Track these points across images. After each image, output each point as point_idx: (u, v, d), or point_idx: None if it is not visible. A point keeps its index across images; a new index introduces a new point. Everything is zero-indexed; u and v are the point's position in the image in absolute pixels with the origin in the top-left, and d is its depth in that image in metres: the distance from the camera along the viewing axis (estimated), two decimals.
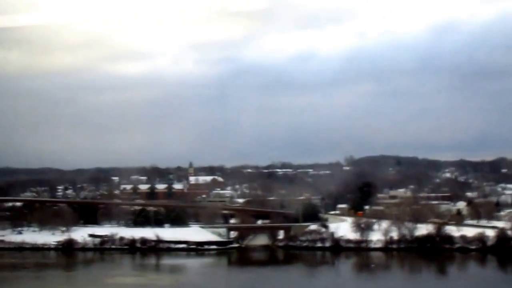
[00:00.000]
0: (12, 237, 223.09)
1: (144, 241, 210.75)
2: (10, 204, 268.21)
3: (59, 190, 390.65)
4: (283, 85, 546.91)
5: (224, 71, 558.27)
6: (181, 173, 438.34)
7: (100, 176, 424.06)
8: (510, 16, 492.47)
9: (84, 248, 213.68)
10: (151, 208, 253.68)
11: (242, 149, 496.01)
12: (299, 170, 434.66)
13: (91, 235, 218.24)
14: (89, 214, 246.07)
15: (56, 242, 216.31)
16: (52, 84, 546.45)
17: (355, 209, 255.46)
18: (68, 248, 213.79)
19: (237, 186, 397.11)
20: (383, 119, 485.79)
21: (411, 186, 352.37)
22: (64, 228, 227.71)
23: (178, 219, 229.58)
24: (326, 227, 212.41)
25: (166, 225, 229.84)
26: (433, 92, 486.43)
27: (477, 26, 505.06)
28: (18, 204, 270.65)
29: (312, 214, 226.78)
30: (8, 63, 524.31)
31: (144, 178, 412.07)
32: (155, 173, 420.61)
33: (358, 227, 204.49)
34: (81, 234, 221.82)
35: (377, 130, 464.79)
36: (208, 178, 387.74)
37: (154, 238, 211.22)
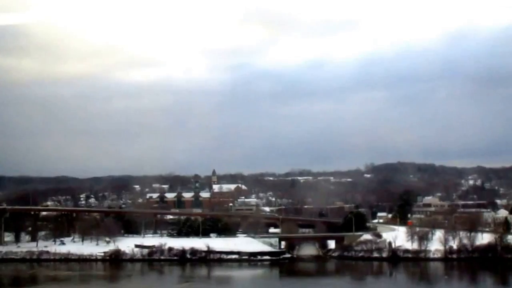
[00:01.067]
0: (55, 248, 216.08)
1: (194, 251, 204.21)
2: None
3: (81, 199, 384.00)
4: (296, 92, 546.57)
5: (237, 77, 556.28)
6: (201, 181, 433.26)
7: (120, 184, 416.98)
8: None
9: (132, 259, 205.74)
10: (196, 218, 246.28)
11: (257, 156, 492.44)
12: (319, 178, 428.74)
13: (137, 246, 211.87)
14: (130, 224, 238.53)
15: (103, 253, 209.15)
16: (64, 92, 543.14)
17: (399, 218, 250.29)
18: (116, 259, 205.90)
19: (261, 194, 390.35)
20: (397, 126, 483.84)
21: (438, 194, 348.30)
22: (108, 239, 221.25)
23: (225, 229, 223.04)
24: (379, 236, 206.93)
25: (213, 235, 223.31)
26: (447, 98, 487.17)
27: (491, 32, 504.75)
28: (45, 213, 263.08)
29: (359, 223, 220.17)
30: (20, 71, 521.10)
31: (165, 186, 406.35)
32: (176, 181, 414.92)
33: (415, 236, 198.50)
34: (127, 244, 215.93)
35: (393, 137, 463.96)
36: (232, 186, 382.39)
37: (204, 248, 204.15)
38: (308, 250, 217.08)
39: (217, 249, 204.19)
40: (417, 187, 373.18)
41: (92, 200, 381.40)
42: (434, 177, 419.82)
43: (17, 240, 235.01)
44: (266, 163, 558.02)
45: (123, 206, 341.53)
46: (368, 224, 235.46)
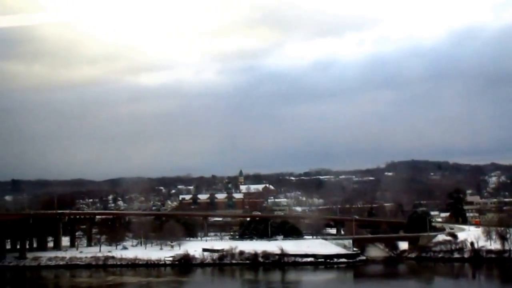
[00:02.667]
0: (120, 253, 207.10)
1: (266, 255, 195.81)
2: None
3: (110, 202, 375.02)
4: (304, 93, 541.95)
5: (245, 80, 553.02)
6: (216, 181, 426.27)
7: (144, 186, 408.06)
8: None
9: (203, 264, 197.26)
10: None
11: (268, 157, 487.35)
12: (341, 177, 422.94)
13: (205, 250, 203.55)
14: (187, 227, 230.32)
15: (171, 257, 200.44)
16: (74, 96, 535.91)
17: (455, 217, 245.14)
18: (186, 264, 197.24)
19: (288, 194, 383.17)
20: (405, 125, 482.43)
21: (469, 191, 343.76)
22: (172, 243, 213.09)
23: (292, 231, 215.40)
24: (455, 236, 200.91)
25: (279, 237, 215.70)
26: (453, 97, 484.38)
27: (496, 31, 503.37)
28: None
29: (424, 223, 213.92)
30: (30, 76, 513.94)
31: (190, 187, 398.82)
32: (202, 182, 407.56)
33: (493, 236, 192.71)
34: (191, 248, 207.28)
35: (401, 136, 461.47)
36: (260, 187, 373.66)
37: (277, 251, 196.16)
38: (376, 251, 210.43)
39: (291, 252, 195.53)
40: (446, 185, 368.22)
41: (120, 202, 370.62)
42: (456, 175, 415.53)
43: (72, 245, 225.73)
44: (277, 163, 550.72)
45: (163, 208, 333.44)
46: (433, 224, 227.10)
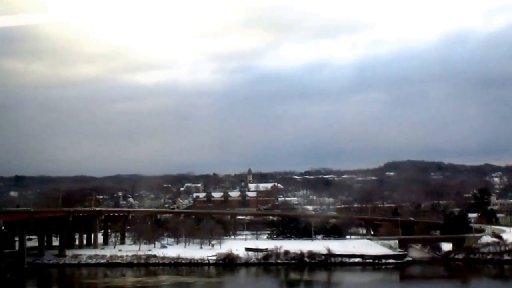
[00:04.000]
0: (160, 251, 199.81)
1: (312, 255, 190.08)
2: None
3: (120, 199, 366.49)
4: (298, 93, 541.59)
5: (239, 80, 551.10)
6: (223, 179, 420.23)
7: (151, 183, 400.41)
8: None
9: (247, 263, 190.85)
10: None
11: (260, 155, 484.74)
12: (344, 176, 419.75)
13: (248, 249, 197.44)
14: (223, 226, 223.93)
15: (214, 256, 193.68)
16: (71, 94, 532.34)
17: (486, 217, 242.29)
18: (230, 263, 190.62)
19: (296, 192, 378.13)
20: (398, 126, 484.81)
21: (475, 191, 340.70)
22: (214, 241, 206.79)
23: (333, 231, 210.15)
24: (500, 237, 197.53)
25: (319, 236, 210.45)
26: (443, 99, 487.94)
27: (486, 36, 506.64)
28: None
29: (462, 223, 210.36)
30: (28, 74, 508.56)
31: (197, 185, 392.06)
32: (209, 180, 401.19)
33: None
34: (231, 247, 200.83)
35: (392, 136, 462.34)
36: (268, 185, 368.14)
37: (323, 251, 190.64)
38: (416, 252, 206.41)
39: (338, 252, 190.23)
40: (452, 185, 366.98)
41: (131, 199, 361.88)
42: (457, 175, 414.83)
43: (105, 242, 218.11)
44: (274, 162, 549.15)
45: (174, 206, 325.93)
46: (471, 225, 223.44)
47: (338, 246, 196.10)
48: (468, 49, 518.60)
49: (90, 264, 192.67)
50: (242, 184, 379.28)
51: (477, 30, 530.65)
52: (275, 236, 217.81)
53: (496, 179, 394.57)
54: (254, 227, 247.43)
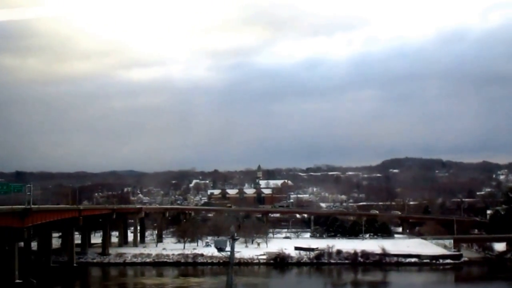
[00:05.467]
0: (205, 250, 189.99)
1: (366, 254, 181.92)
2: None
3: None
4: (293, 90, 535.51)
5: (235, 77, 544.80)
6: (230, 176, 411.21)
7: (159, 179, 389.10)
8: None
9: (299, 263, 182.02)
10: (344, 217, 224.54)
11: (258, 152, 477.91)
12: (349, 173, 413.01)
13: (297, 248, 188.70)
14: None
15: (264, 256, 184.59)
16: (67, 91, 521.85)
17: None
18: (281, 262, 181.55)
19: (306, 189, 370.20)
20: (393, 123, 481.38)
21: (488, 190, 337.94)
22: (260, 240, 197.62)
23: (382, 230, 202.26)
24: None
25: (365, 235, 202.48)
26: (439, 97, 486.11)
27: (482, 33, 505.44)
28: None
29: (509, 222, 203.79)
30: (24, 71, 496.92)
31: (205, 182, 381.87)
32: (218, 177, 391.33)
33: None
34: (277, 246, 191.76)
35: (390, 133, 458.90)
36: (278, 182, 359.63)
37: (378, 251, 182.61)
38: (466, 252, 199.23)
39: (393, 252, 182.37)
40: (463, 183, 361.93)
41: (140, 195, 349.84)
42: (462, 173, 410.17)
43: (142, 241, 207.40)
44: (272, 158, 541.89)
45: (185, 202, 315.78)
46: None
47: (391, 246, 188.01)
48: (464, 47, 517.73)
49: (135, 263, 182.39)
50: (256, 181, 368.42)
51: (474, 28, 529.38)
52: (318, 235, 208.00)
53: (502, 177, 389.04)
54: (281, 225, 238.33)
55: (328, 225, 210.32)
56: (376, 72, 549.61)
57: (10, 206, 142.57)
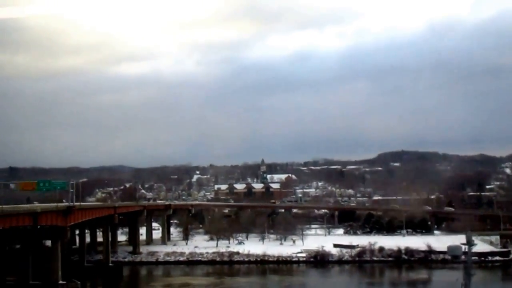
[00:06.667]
0: (241, 248, 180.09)
1: (410, 251, 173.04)
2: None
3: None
4: (283, 84, 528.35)
5: (225, 71, 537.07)
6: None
7: (158, 174, 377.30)
8: (507, 15, 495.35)
9: (341, 261, 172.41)
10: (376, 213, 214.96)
11: (245, 147, 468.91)
12: (350, 167, 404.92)
13: (336, 245, 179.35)
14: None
15: (303, 252, 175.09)
16: (56, 86, 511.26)
17: None
18: (321, 260, 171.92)
19: (310, 184, 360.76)
20: (384, 116, 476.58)
21: (497, 183, 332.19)
22: (295, 237, 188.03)
23: (420, 226, 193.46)
24: None
25: (403, 231, 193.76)
26: (430, 89, 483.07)
27: (473, 25, 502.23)
28: None
29: None
30: (12, 66, 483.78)
31: (207, 177, 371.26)
32: (220, 172, 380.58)
33: None
34: (319, 243, 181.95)
35: (380, 126, 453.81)
36: (283, 176, 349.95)
37: (422, 248, 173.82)
38: None
39: (438, 249, 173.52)
40: (469, 176, 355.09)
41: (142, 191, 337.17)
42: (464, 165, 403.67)
43: (168, 238, 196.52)
44: (266, 153, 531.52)
45: (189, 198, 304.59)
46: None
47: (434, 242, 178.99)
48: (456, 38, 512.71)
49: (169, 262, 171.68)
50: (264, 175, 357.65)
51: (465, 19, 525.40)
52: (351, 231, 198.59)
53: (508, 170, 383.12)
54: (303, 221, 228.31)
55: (364, 221, 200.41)
56: (367, 65, 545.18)
57: (55, 204, 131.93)
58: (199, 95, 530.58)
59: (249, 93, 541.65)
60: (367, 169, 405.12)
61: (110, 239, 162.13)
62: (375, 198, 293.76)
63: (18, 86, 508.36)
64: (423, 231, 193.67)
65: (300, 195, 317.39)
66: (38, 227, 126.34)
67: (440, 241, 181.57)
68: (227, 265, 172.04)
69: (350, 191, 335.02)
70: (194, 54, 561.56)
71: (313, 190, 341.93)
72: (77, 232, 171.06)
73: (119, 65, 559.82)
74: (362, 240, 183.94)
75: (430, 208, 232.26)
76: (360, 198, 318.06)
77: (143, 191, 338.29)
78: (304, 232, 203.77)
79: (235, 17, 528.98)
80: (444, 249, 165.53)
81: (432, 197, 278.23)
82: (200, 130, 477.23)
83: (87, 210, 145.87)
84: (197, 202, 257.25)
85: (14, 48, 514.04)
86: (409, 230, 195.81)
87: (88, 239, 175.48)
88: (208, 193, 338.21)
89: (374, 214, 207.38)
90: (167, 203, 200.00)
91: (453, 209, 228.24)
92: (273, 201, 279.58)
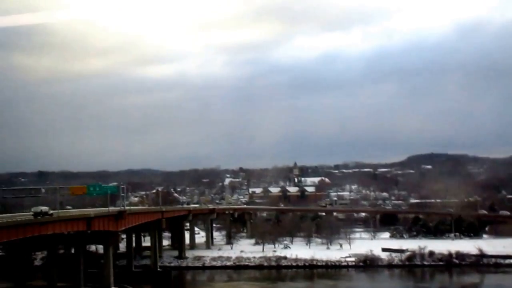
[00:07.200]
0: (288, 252, 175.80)
1: (461, 255, 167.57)
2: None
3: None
4: (310, 85, 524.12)
5: (251, 72, 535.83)
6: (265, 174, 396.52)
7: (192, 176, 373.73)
8: None
9: (390, 265, 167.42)
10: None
11: (278, 149, 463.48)
12: (381, 170, 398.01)
13: (385, 249, 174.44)
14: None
15: (351, 258, 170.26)
16: (82, 88, 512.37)
17: None
18: (371, 265, 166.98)
19: (343, 187, 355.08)
20: (411, 118, 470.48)
21: None
22: (342, 241, 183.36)
23: (469, 229, 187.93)
24: None
25: (451, 235, 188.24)
26: (457, 90, 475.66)
27: (501, 26, 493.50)
28: None
29: None
30: (38, 69, 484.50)
31: (240, 180, 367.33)
32: (253, 175, 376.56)
33: None
34: (367, 247, 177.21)
35: (408, 129, 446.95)
36: (315, 180, 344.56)
37: (473, 252, 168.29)
38: None
39: (490, 253, 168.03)
40: (504, 179, 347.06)
41: (175, 195, 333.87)
42: (497, 168, 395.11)
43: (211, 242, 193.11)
44: (289, 155, 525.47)
45: (222, 201, 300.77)
46: None
47: (485, 246, 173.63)
48: (483, 39, 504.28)
49: (215, 267, 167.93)
50: (299, 178, 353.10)
51: (491, 20, 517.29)
52: (397, 235, 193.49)
53: None
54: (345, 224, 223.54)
55: (411, 224, 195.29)
56: (393, 66, 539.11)
57: (107, 209, 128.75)
58: (226, 97, 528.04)
59: (276, 95, 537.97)
60: (399, 172, 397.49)
61: (160, 243, 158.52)
62: (414, 201, 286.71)
63: (43, 89, 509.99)
64: (471, 234, 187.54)
65: (335, 199, 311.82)
66: (88, 232, 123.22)
67: (491, 245, 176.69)
68: (274, 270, 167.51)
69: (385, 194, 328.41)
70: (221, 56, 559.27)
71: (347, 193, 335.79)
72: (122, 236, 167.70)
73: (145, 67, 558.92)
74: (410, 244, 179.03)
75: (485, 212, 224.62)
76: (395, 201, 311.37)
77: (175, 194, 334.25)
78: (349, 236, 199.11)
79: (261, 18, 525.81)
80: (496, 252, 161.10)
81: (471, 199, 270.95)
82: (228, 132, 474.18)
83: (136, 215, 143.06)
84: (240, 206, 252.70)
85: (39, 51, 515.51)
86: (456, 234, 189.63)
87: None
88: (241, 197, 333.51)
89: (421, 218, 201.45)
90: (211, 207, 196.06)
91: (509, 213, 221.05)
92: (318, 204, 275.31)
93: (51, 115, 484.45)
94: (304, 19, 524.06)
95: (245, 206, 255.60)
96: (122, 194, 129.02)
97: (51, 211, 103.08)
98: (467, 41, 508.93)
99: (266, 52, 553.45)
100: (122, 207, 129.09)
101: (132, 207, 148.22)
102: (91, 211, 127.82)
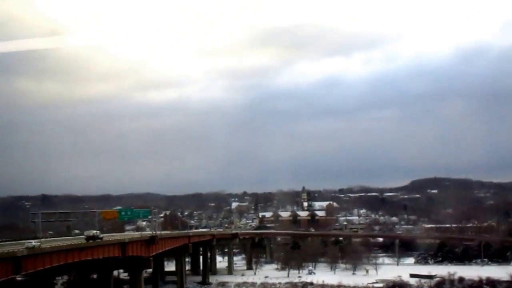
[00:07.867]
0: (314, 278, 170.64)
1: (492, 282, 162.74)
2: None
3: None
4: (310, 111, 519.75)
5: (252, 97, 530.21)
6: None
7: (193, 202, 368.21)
8: None
9: None
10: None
11: (268, 174, 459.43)
12: (388, 194, 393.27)
13: (413, 275, 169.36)
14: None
15: (379, 284, 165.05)
16: (84, 113, 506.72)
17: None
18: None
19: (352, 211, 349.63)
20: (413, 143, 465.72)
21: None
22: (368, 267, 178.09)
23: (497, 255, 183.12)
24: None
25: (479, 261, 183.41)
26: (461, 115, 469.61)
27: (503, 49, 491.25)
28: None
29: None
30: (40, 93, 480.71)
31: (246, 204, 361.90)
32: (260, 199, 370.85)
33: None
34: (394, 273, 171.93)
35: (410, 153, 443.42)
36: (323, 204, 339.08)
37: (504, 278, 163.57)
38: None
39: None
40: None
41: (182, 219, 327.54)
42: (504, 193, 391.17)
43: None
44: (292, 180, 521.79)
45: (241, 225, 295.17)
46: None
47: None
48: (485, 63, 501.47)
49: None
50: (310, 202, 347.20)
51: (493, 44, 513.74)
52: (422, 261, 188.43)
53: None
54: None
55: (437, 249, 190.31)
56: (395, 91, 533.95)
57: (139, 233, 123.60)
58: (227, 122, 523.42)
59: (277, 120, 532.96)
60: (405, 196, 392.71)
61: (182, 268, 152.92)
62: (428, 225, 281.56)
63: (45, 113, 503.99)
64: (500, 260, 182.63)
65: (344, 223, 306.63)
66: (120, 257, 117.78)
67: None
68: None
69: (394, 219, 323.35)
70: (221, 81, 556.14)
71: (356, 217, 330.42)
72: None
73: (146, 92, 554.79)
74: (437, 270, 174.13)
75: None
76: (405, 226, 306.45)
77: (183, 218, 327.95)
78: (376, 262, 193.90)
79: (263, 44, 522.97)
80: None
81: (485, 224, 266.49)
82: (229, 156, 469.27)
83: (166, 240, 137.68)
84: (262, 231, 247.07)
85: (42, 76, 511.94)
86: (484, 259, 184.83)
87: None
88: (249, 221, 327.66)
89: (446, 244, 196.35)
90: (234, 231, 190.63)
91: None
92: (331, 228, 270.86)
93: (56, 139, 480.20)
94: (305, 44, 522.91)
95: (267, 230, 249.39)
96: (154, 219, 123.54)
97: (101, 235, 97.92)
98: (468, 66, 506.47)
99: (267, 78, 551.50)
100: (154, 232, 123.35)
101: (162, 232, 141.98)
102: (126, 236, 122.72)
